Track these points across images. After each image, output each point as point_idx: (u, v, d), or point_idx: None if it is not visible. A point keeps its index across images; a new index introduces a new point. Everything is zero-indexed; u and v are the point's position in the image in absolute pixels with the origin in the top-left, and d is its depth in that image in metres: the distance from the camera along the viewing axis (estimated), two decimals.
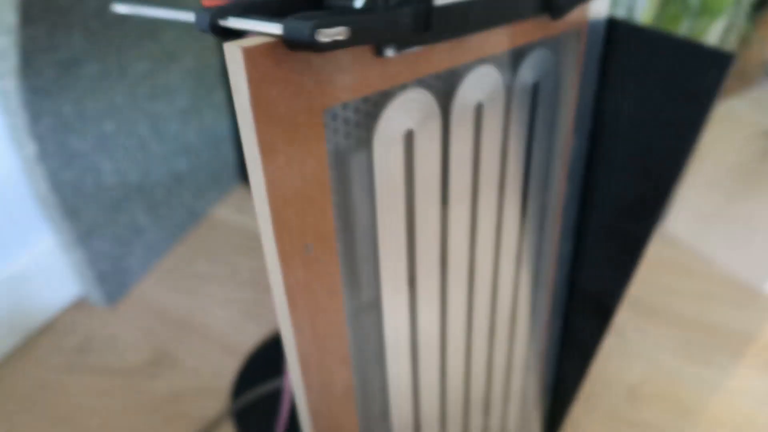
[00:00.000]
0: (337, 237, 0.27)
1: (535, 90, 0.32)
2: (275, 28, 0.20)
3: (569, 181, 0.40)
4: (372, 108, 0.25)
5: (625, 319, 0.77)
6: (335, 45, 0.20)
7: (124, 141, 0.72)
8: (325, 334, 0.28)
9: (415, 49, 0.24)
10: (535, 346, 0.47)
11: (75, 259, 0.69)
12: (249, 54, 0.20)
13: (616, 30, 0.36)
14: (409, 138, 0.27)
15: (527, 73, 0.31)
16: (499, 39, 0.28)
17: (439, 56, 0.26)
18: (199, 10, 0.22)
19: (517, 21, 0.28)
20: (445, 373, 0.38)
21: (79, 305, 0.74)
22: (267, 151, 0.22)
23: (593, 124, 0.39)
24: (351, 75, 0.23)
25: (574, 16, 0.33)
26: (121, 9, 0.30)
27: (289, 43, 0.20)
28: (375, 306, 0.31)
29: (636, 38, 0.35)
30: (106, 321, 0.72)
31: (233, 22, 0.22)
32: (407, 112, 0.26)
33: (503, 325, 0.41)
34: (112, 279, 0.73)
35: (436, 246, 0.31)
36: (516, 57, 0.31)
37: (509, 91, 0.31)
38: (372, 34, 0.21)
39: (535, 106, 0.33)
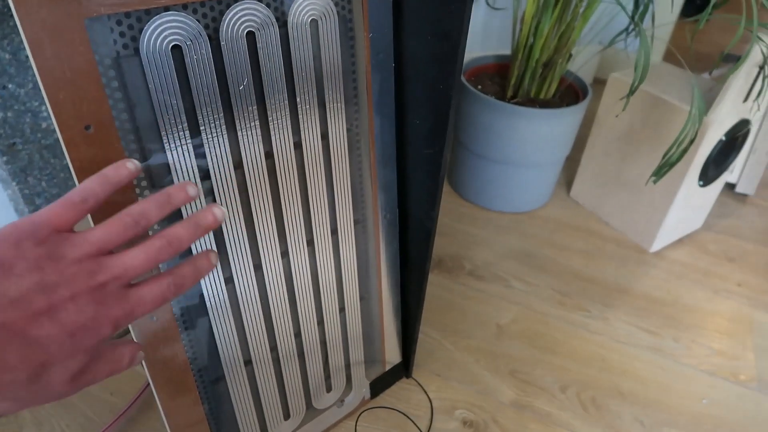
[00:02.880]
0: (120, 124, 0.34)
1: (315, 27, 0.40)
2: None
3: (378, 112, 0.47)
4: (136, 23, 0.33)
5: (510, 269, 0.84)
6: None
7: None
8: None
9: None
10: (370, 272, 0.54)
11: (11, 194, 0.77)
12: None
13: None
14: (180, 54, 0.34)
15: (302, 11, 0.38)
16: None
17: None
18: None
19: None
20: (273, 313, 0.46)
21: None
22: (34, 45, 0.29)
23: (396, 65, 0.46)
24: None
25: None
26: None
27: None
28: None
29: None
30: None
31: None
32: (171, 31, 0.33)
33: (325, 252, 0.49)
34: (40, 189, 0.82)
35: (226, 151, 0.39)
36: None
37: (285, 26, 0.38)
38: None
39: (318, 41, 0.40)
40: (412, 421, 0.61)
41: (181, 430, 0.46)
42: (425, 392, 0.64)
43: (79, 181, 0.33)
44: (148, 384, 0.59)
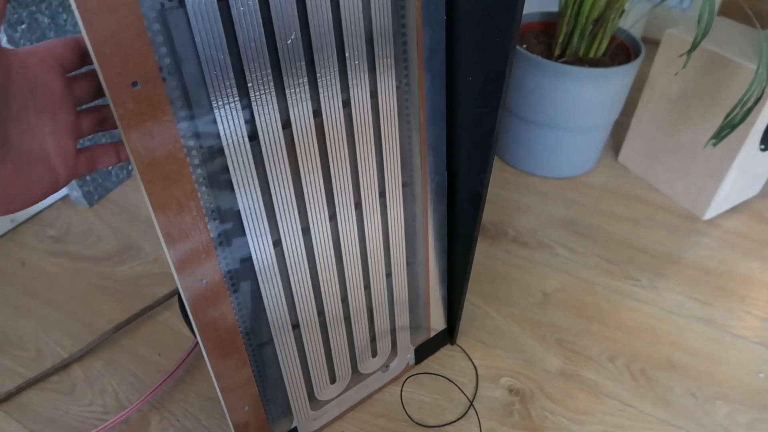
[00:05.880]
0: (167, 81, 0.33)
1: None
2: None
3: (428, 68, 0.45)
4: None
5: (555, 236, 0.81)
6: None
7: None
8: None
9: None
10: (417, 237, 0.53)
11: None
12: None
13: None
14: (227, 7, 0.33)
15: None
16: None
17: None
18: None
19: None
20: (320, 278, 0.45)
21: (63, 203, 0.84)
22: None
23: (448, 19, 0.44)
24: None
25: None
26: None
27: None
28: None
29: None
30: (84, 217, 0.81)
31: None
32: None
33: (373, 215, 0.47)
34: (93, 183, 0.82)
35: (275, 109, 0.37)
36: None
37: None
38: None
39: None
40: (459, 388, 0.60)
41: (230, 391, 0.46)
42: (470, 359, 0.63)
43: (128, 141, 0.33)
44: (194, 346, 0.60)
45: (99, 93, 0.33)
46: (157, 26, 0.31)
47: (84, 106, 0.34)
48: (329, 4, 0.36)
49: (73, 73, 0.32)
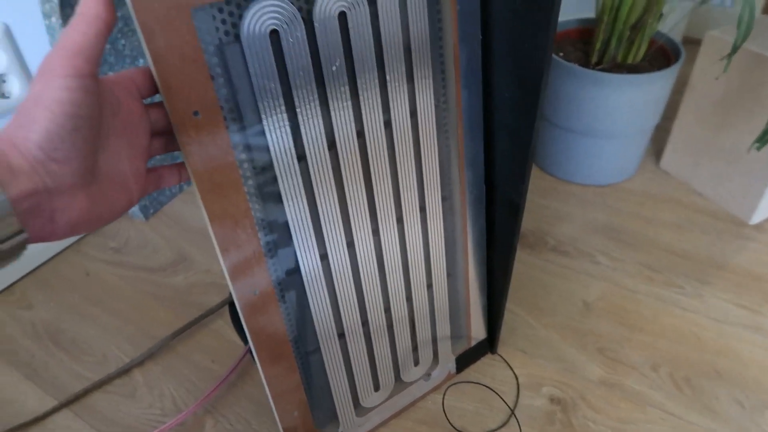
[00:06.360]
0: (225, 109, 0.36)
1: (404, 2, 0.39)
2: None
3: (465, 86, 0.46)
4: (236, 9, 0.34)
5: (596, 244, 0.81)
6: None
7: None
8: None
9: None
10: (457, 249, 0.54)
11: None
12: None
13: None
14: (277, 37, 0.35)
15: None
16: None
17: None
18: None
19: None
20: (363, 287, 0.47)
21: (123, 216, 0.89)
22: (147, 33, 0.31)
23: (484, 36, 0.45)
24: None
25: None
26: None
27: None
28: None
29: None
30: (141, 230, 0.86)
31: None
32: (268, 15, 0.34)
33: (414, 229, 0.49)
34: (149, 197, 0.87)
35: (321, 131, 0.40)
36: None
37: (374, 3, 0.38)
38: None
39: (407, 16, 0.40)
40: (500, 396, 0.61)
41: (280, 396, 0.49)
42: (511, 368, 0.64)
43: (189, 162, 0.36)
44: (245, 353, 0.63)
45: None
46: (215, 60, 0.34)
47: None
48: (371, 30, 0.39)
49: (147, 100, 0.35)
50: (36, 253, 0.80)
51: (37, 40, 0.71)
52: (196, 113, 0.34)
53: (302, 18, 0.36)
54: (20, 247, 0.28)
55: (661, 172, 0.95)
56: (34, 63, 0.72)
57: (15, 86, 0.71)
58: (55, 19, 0.69)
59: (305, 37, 0.36)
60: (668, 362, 0.65)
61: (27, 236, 0.28)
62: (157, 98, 0.34)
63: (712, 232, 0.83)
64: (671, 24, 1.12)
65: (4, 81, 0.70)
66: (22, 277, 0.78)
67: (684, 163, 0.91)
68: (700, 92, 0.84)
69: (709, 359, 0.65)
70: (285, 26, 0.35)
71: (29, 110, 0.27)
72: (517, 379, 0.63)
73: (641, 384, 0.63)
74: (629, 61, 0.85)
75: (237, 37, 0.34)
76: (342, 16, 0.37)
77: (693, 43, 1.27)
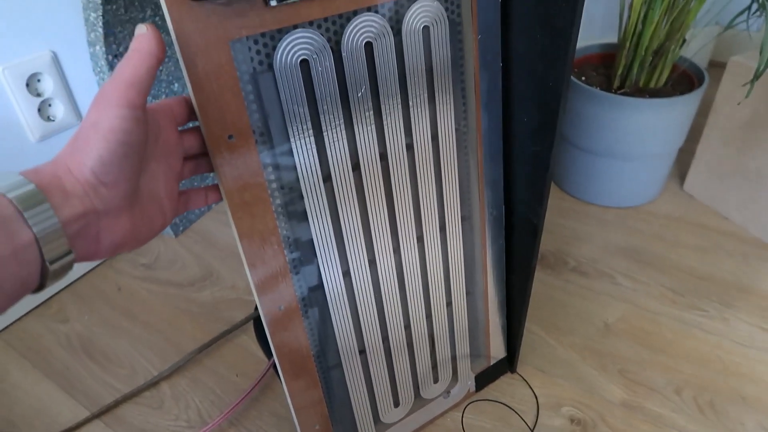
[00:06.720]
0: (256, 132, 0.38)
1: (426, 32, 0.41)
2: None
3: (485, 111, 0.48)
4: (270, 41, 0.36)
5: (617, 266, 0.81)
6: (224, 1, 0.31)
7: None
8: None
9: (292, 1, 0.35)
10: (476, 268, 0.55)
11: None
12: (170, 3, 0.32)
13: None
14: (307, 66, 0.38)
15: (415, 18, 0.40)
16: None
17: (311, 8, 0.36)
18: None
19: None
20: (384, 306, 0.49)
21: None
22: (188, 63, 0.33)
23: (504, 63, 0.47)
24: (247, 18, 0.34)
25: None
26: None
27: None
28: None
29: None
30: (171, 246, 0.89)
31: None
32: (300, 46, 0.37)
33: (434, 248, 0.50)
34: (179, 216, 0.91)
35: (346, 153, 0.42)
36: (402, 6, 0.40)
37: (399, 33, 0.40)
38: None
39: (429, 45, 0.42)
40: (519, 415, 0.61)
41: (303, 410, 0.50)
42: (530, 387, 0.64)
43: (222, 183, 0.38)
44: (268, 368, 0.64)
45: (204, 144, 0.38)
46: (249, 87, 0.37)
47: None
48: (395, 57, 0.41)
49: (182, 127, 0.37)
50: (74, 268, 0.84)
51: (81, 67, 0.76)
52: (230, 137, 0.37)
53: (331, 48, 0.38)
54: (68, 267, 0.30)
55: (685, 195, 0.95)
56: (78, 89, 0.77)
57: (60, 110, 0.75)
58: (99, 48, 0.74)
59: (333, 65, 0.38)
60: (691, 385, 0.64)
61: (74, 256, 0.30)
62: (189, 124, 0.37)
63: (738, 255, 0.82)
64: (696, 48, 1.12)
65: (50, 105, 0.75)
66: (59, 291, 0.82)
67: (708, 186, 0.91)
68: (724, 115, 0.84)
69: (734, 384, 0.64)
70: (315, 56, 0.37)
71: (85, 137, 0.30)
72: (536, 398, 0.63)
73: (663, 407, 0.62)
74: (651, 85, 0.86)
75: (270, 66, 0.37)
76: (368, 45, 0.39)
77: (720, 66, 1.27)
